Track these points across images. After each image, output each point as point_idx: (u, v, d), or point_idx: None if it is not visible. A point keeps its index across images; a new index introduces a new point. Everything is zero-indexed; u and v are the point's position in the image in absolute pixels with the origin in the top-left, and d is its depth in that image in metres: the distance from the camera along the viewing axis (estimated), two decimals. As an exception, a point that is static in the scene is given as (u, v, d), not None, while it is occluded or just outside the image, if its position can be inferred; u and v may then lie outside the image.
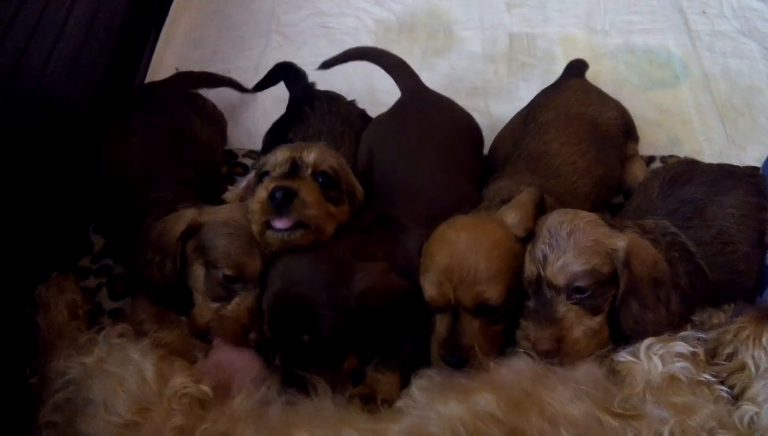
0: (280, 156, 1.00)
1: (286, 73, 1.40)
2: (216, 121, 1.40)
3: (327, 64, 1.38)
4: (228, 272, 0.97)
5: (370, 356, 0.97)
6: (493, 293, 0.90)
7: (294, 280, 0.92)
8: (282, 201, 0.91)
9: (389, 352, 0.96)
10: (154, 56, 1.63)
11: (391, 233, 1.04)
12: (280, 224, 0.92)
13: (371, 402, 0.90)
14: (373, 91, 1.52)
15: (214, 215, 1.01)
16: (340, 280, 0.91)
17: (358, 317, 0.91)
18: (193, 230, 1.00)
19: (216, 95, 1.44)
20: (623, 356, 0.89)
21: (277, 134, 1.27)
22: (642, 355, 0.87)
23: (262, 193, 0.94)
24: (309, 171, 0.98)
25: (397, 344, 0.95)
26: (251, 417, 0.83)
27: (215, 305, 0.99)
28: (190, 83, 1.41)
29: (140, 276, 1.03)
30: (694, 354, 0.88)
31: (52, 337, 1.02)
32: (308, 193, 0.94)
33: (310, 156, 1.00)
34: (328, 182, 0.99)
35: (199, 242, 1.00)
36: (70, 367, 0.90)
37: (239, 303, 0.98)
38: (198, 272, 1.01)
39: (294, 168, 0.98)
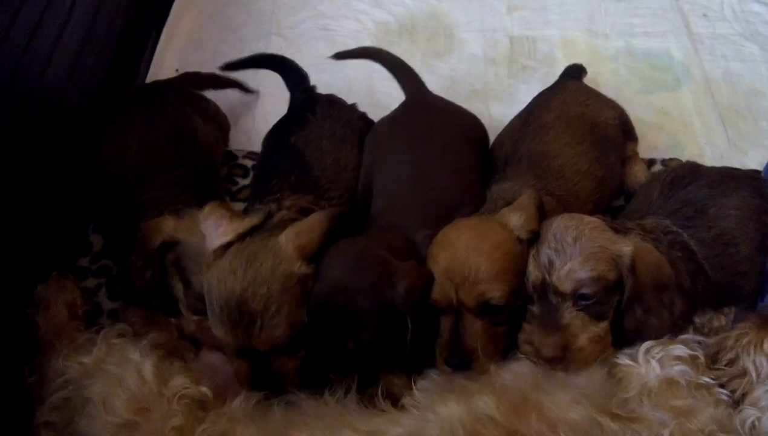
0: None
1: (283, 69, 1.39)
2: (219, 123, 1.40)
3: (340, 56, 1.42)
4: (201, 295, 0.94)
5: (383, 360, 0.97)
6: (495, 292, 0.90)
7: (338, 287, 0.90)
8: None
9: (402, 354, 0.95)
10: (155, 58, 1.63)
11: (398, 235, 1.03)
12: None
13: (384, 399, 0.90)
14: (373, 93, 1.52)
15: (191, 236, 0.99)
16: (382, 280, 0.91)
17: (404, 314, 0.90)
18: (169, 245, 1.00)
19: (216, 97, 1.44)
20: (622, 359, 0.89)
21: (279, 138, 1.27)
22: (640, 358, 0.87)
23: None
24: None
25: (410, 346, 0.94)
26: (251, 418, 0.83)
27: (196, 318, 1.00)
28: (195, 84, 1.40)
29: (123, 278, 1.03)
30: (693, 357, 0.88)
31: (51, 336, 1.02)
32: None
33: None
34: None
35: (176, 256, 1.00)
36: (69, 366, 0.90)
37: None
38: (178, 285, 1.01)
39: None
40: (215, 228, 0.94)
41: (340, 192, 1.16)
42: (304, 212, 1.05)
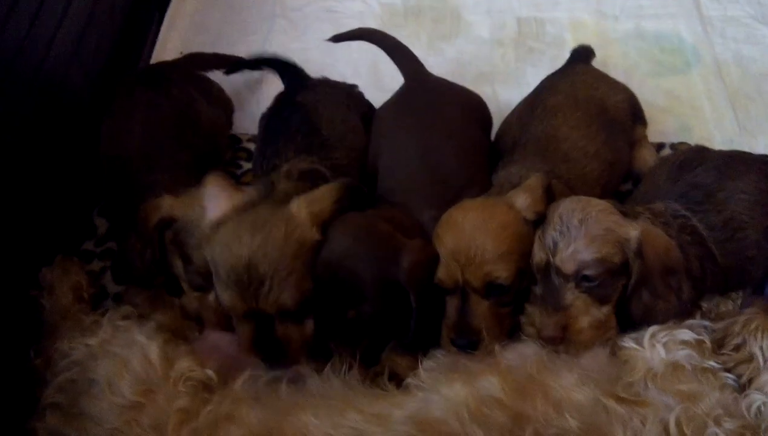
0: None
1: (282, 68, 1.38)
2: (223, 105, 1.39)
3: (337, 39, 1.39)
4: (202, 269, 0.95)
5: (384, 336, 0.97)
6: (501, 272, 0.90)
7: (342, 256, 0.91)
8: None
9: (406, 333, 0.95)
10: (158, 40, 1.62)
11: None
12: None
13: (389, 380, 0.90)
14: (378, 76, 1.51)
15: (189, 211, 0.99)
16: (387, 254, 0.91)
17: (407, 291, 0.90)
18: (167, 222, 0.99)
19: (221, 79, 1.43)
20: (627, 342, 0.89)
21: (284, 100, 1.26)
22: (645, 342, 0.86)
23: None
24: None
25: (414, 326, 0.94)
26: (256, 399, 0.83)
27: (197, 294, 1.00)
28: (200, 65, 1.39)
29: (123, 260, 1.04)
30: (699, 342, 0.87)
31: (57, 318, 1.02)
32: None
33: None
34: None
35: (175, 233, 0.99)
36: (75, 348, 0.90)
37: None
38: (178, 262, 1.01)
39: None
40: (214, 199, 0.94)
41: (345, 152, 1.16)
42: (306, 175, 1.05)
